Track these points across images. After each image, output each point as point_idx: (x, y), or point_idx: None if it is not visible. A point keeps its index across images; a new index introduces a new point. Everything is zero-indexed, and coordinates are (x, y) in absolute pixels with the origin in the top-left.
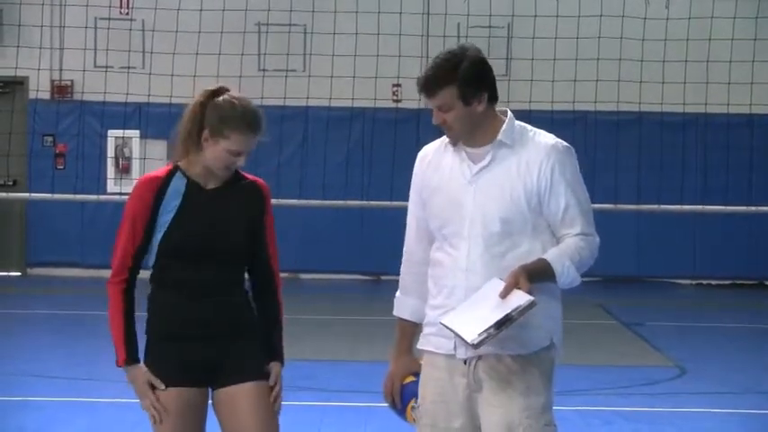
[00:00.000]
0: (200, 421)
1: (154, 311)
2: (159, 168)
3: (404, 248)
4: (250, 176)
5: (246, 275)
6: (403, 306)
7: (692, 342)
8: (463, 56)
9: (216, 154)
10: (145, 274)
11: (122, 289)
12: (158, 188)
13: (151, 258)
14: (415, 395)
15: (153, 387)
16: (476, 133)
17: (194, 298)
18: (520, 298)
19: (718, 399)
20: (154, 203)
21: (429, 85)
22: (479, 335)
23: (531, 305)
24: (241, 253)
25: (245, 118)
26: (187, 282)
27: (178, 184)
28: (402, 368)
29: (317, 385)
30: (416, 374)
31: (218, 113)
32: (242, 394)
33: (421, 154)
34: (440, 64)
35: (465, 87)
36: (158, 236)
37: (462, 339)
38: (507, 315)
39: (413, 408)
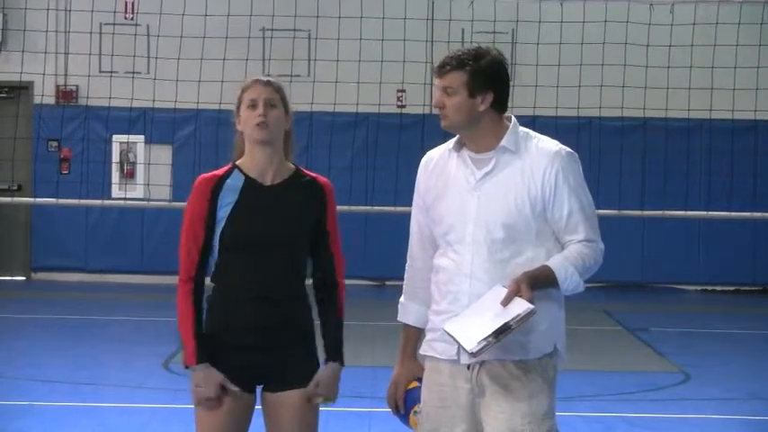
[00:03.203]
0: (244, 424)
1: (211, 313)
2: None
3: (407, 254)
4: (312, 174)
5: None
6: (407, 312)
7: (696, 348)
8: (487, 53)
9: (243, 120)
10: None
11: (190, 289)
12: (214, 186)
13: (213, 257)
14: (419, 401)
15: (223, 388)
16: (474, 134)
17: (252, 300)
18: (520, 306)
19: (723, 404)
20: (211, 201)
21: (443, 64)
22: (478, 343)
23: (530, 314)
24: (298, 248)
25: (250, 79)
26: (245, 280)
27: (235, 181)
28: (406, 373)
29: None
30: (420, 380)
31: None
32: (287, 402)
33: (425, 159)
34: (463, 51)
35: (474, 78)
36: (217, 232)
37: (462, 347)
38: (506, 324)
39: (415, 413)
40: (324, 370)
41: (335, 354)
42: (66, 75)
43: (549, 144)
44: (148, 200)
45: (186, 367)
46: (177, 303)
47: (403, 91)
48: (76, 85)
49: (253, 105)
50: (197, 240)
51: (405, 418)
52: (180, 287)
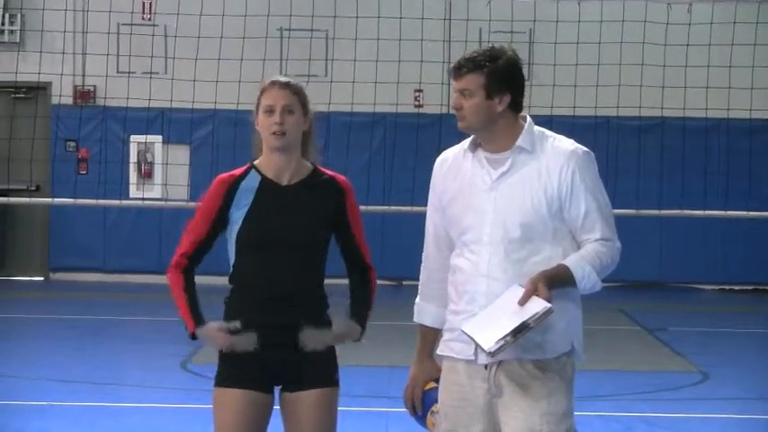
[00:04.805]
0: (262, 424)
1: (229, 314)
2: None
3: (423, 254)
4: (330, 172)
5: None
6: (423, 312)
7: (714, 347)
8: (503, 53)
9: (260, 124)
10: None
11: (180, 270)
12: (230, 186)
13: (230, 258)
14: (436, 402)
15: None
16: (491, 135)
17: (269, 300)
18: (537, 305)
19: (742, 404)
20: (225, 201)
21: (460, 66)
22: (496, 342)
23: (547, 312)
24: (315, 248)
25: (268, 80)
26: (262, 280)
27: (251, 182)
28: (424, 374)
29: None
30: (438, 381)
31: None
32: (305, 401)
33: (440, 159)
34: (478, 52)
35: (492, 80)
36: (233, 232)
37: (480, 347)
38: (524, 323)
39: (432, 413)
40: (350, 323)
41: (360, 319)
42: (83, 75)
43: (566, 143)
44: (166, 200)
45: (193, 338)
46: (169, 287)
47: (420, 91)
48: (94, 86)
49: (270, 111)
50: (199, 236)
51: (422, 419)
52: (170, 271)
